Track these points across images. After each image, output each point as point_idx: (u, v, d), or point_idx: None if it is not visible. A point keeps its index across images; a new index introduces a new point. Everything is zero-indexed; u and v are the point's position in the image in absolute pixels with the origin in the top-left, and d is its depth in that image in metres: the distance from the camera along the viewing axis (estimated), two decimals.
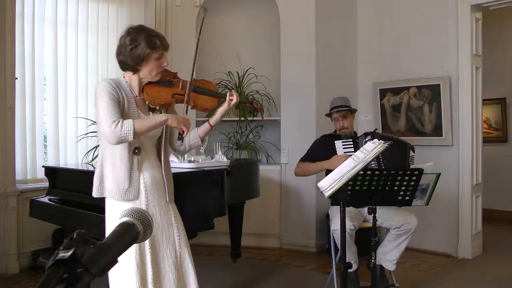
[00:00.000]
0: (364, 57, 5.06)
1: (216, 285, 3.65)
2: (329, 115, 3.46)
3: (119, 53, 2.11)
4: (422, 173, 2.55)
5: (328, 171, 2.75)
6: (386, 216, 3.07)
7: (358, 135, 3.39)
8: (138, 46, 2.04)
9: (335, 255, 3.13)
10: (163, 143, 2.20)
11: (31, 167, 4.07)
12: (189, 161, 3.27)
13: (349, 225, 2.92)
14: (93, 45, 4.54)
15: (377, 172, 2.49)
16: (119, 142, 1.94)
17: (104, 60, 4.63)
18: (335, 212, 3.01)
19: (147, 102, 2.14)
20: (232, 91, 2.31)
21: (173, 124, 2.06)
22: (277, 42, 4.89)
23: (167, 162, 2.23)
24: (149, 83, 2.15)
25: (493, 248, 4.64)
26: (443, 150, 4.46)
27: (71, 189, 3.30)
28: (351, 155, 2.47)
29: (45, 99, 4.22)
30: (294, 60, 4.78)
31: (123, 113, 2.02)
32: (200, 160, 3.33)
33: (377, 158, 2.89)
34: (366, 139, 2.95)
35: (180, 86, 2.19)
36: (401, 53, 4.76)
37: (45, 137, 4.23)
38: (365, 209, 2.94)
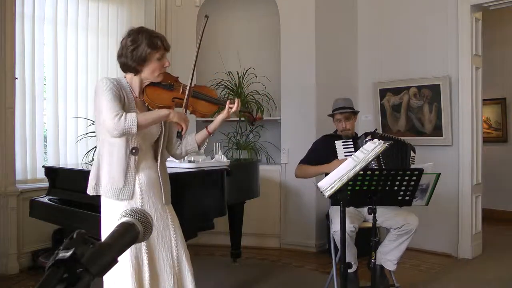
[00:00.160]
0: (364, 57, 5.06)
1: (216, 285, 3.65)
2: (331, 115, 3.45)
3: (121, 54, 2.11)
4: (422, 173, 2.55)
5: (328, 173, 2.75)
6: (386, 216, 3.07)
7: (359, 135, 3.38)
8: (139, 47, 2.04)
9: (335, 255, 3.13)
10: (160, 145, 2.20)
11: (31, 167, 4.07)
12: (189, 161, 3.27)
13: (349, 227, 2.92)
14: (93, 45, 4.54)
15: (377, 172, 2.49)
16: (123, 134, 1.94)
17: (104, 60, 4.63)
18: (335, 212, 3.01)
19: (146, 104, 2.14)
20: (234, 99, 2.29)
21: (174, 119, 2.06)
22: (277, 42, 4.89)
23: (163, 165, 2.22)
24: (150, 85, 2.15)
25: (493, 248, 4.64)
26: (443, 150, 4.46)
27: (71, 189, 3.30)
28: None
29: (45, 99, 4.22)
30: (294, 60, 4.78)
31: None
32: (200, 160, 3.33)
33: (377, 158, 2.89)
34: (367, 139, 2.94)
35: (181, 91, 2.18)
36: (401, 53, 4.76)
37: (45, 137, 4.23)
38: (365, 209, 2.94)
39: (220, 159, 3.51)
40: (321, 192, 2.39)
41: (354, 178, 2.38)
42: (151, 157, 2.18)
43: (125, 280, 1.97)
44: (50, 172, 3.57)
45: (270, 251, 4.68)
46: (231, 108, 2.25)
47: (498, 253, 4.53)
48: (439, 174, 2.80)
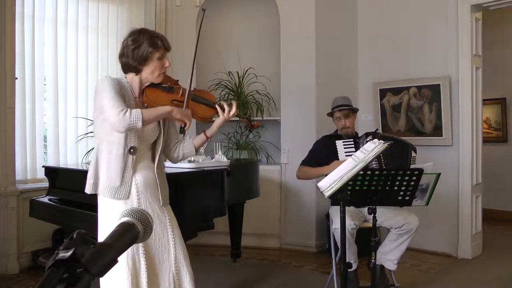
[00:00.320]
0: (364, 57, 5.06)
1: (216, 285, 3.65)
2: (330, 114, 3.46)
3: (122, 54, 2.12)
4: (422, 173, 2.55)
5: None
6: (386, 216, 3.07)
7: (359, 135, 3.38)
8: (141, 46, 2.06)
9: (335, 255, 3.14)
10: (158, 147, 2.20)
11: (31, 167, 4.07)
12: (189, 161, 3.27)
13: (350, 224, 2.92)
14: (93, 45, 4.54)
15: (377, 172, 2.49)
16: (128, 129, 1.96)
17: (104, 60, 4.63)
18: (335, 212, 3.01)
19: (145, 105, 2.14)
20: (232, 102, 2.29)
21: (177, 115, 2.08)
22: (277, 42, 4.89)
23: (161, 167, 2.22)
24: (150, 86, 2.15)
25: (493, 248, 4.64)
26: (443, 150, 4.46)
27: (71, 189, 3.30)
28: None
29: (45, 99, 4.22)
30: (294, 60, 4.78)
31: None
32: (200, 160, 3.33)
33: (377, 158, 2.89)
34: (367, 139, 2.94)
35: (180, 93, 2.19)
36: (401, 53, 4.76)
37: (45, 137, 4.23)
38: (366, 209, 2.94)
39: (220, 159, 3.51)
40: (321, 192, 2.39)
41: (354, 178, 2.38)
42: (148, 158, 2.18)
43: (121, 281, 1.96)
44: (50, 172, 3.57)
45: (270, 251, 4.68)
46: (229, 111, 2.23)
47: (498, 253, 4.53)
48: (439, 174, 2.80)
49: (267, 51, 5.07)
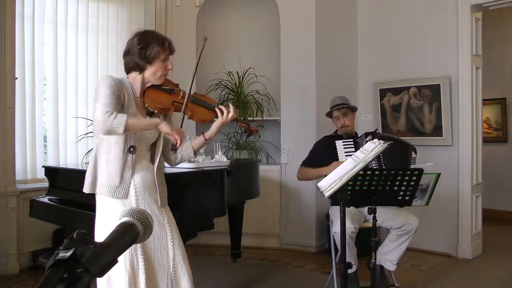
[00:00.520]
0: (364, 57, 5.06)
1: (216, 285, 3.65)
2: (329, 114, 3.46)
3: (127, 52, 2.12)
4: (422, 173, 2.55)
5: None
6: (386, 216, 3.07)
7: (359, 135, 3.38)
8: (149, 45, 2.07)
9: (335, 255, 3.14)
10: (158, 149, 2.19)
11: (31, 167, 4.07)
12: (189, 161, 3.27)
13: (350, 227, 2.92)
14: (93, 45, 4.54)
15: (377, 172, 2.49)
16: (108, 132, 1.94)
17: (104, 60, 4.63)
18: (335, 213, 3.01)
19: (146, 105, 2.15)
20: (230, 104, 2.29)
21: (164, 129, 2.04)
22: (277, 42, 4.89)
23: (160, 168, 2.22)
24: (151, 87, 2.16)
25: (493, 248, 4.64)
26: (443, 150, 4.46)
27: (71, 189, 3.30)
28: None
29: (45, 99, 4.22)
30: (294, 60, 4.78)
31: (121, 110, 2.02)
32: (200, 160, 3.34)
33: (377, 158, 2.89)
34: (367, 139, 2.94)
35: (181, 96, 2.21)
36: (401, 53, 4.76)
37: (45, 137, 4.23)
38: (366, 209, 2.94)
39: (220, 159, 3.51)
40: (321, 192, 2.39)
41: (354, 178, 2.38)
42: (147, 159, 2.18)
43: (119, 282, 1.96)
44: (50, 172, 3.57)
45: (270, 251, 4.68)
46: (228, 114, 2.22)
47: (498, 253, 4.53)
48: (439, 174, 2.80)
49: (267, 51, 5.07)
